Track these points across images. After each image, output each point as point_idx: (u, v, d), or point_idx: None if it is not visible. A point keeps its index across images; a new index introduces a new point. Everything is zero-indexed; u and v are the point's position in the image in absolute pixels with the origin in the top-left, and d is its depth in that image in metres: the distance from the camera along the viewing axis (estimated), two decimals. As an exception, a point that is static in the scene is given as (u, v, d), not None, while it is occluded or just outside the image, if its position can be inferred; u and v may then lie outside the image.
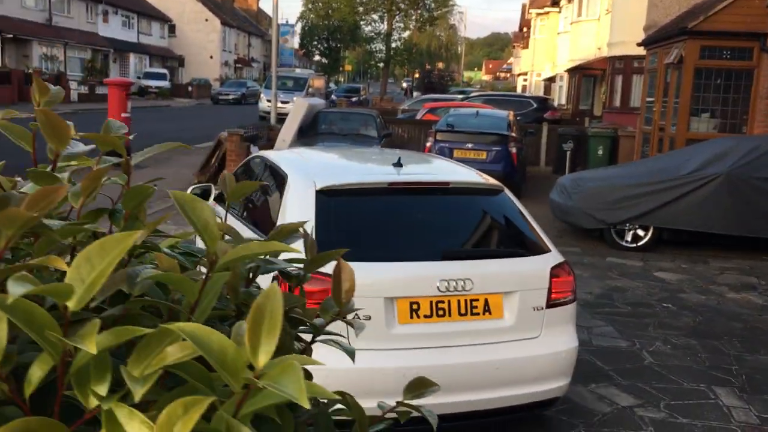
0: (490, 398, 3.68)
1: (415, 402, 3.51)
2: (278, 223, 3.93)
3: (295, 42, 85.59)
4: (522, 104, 22.30)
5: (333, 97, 44.16)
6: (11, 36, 39.87)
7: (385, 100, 38.65)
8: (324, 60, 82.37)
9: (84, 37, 48.03)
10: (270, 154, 4.88)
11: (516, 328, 3.75)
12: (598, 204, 9.47)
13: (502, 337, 3.72)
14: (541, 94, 35.91)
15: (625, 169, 10.59)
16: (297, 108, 14.48)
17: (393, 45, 58.04)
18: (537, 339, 3.81)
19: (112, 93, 14.46)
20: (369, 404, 3.46)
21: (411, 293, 3.57)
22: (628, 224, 9.44)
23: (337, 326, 3.32)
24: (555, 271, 3.88)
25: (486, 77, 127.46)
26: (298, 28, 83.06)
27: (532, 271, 3.83)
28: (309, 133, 14.63)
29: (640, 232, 9.47)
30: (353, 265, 3.61)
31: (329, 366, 3.41)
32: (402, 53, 57.99)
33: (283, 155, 4.89)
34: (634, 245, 9.46)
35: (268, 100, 22.85)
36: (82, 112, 30.01)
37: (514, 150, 13.12)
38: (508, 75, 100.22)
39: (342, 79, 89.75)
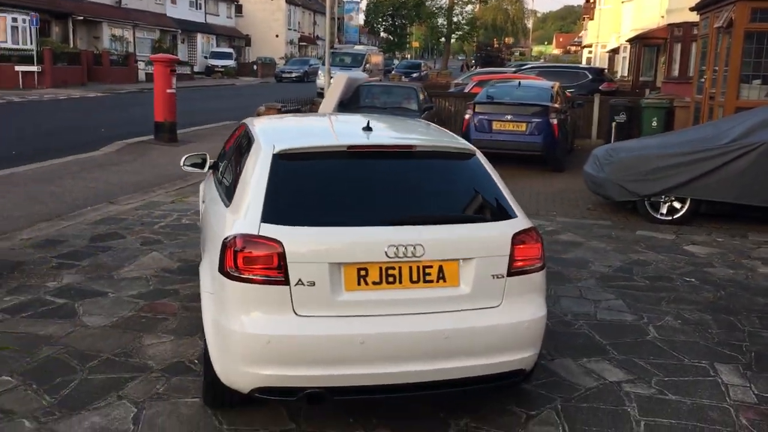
0: (443, 369, 3.54)
1: (352, 371, 3.43)
2: (238, 186, 3.89)
3: (360, 19, 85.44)
4: (577, 76, 21.61)
5: (393, 73, 43.98)
6: (81, 18, 41.13)
7: (443, 75, 38.19)
8: (389, 37, 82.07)
9: (152, 19, 49.15)
10: (253, 121, 4.83)
11: (473, 296, 3.59)
12: (630, 175, 9.08)
13: (457, 306, 3.58)
14: (603, 66, 34.76)
15: (661, 139, 10.12)
16: (337, 82, 14.43)
17: (455, 19, 57.11)
18: (497, 308, 3.64)
19: (157, 69, 14.69)
20: (315, 372, 3.43)
21: (358, 259, 3.46)
22: (663, 196, 9.03)
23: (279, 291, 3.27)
24: (519, 238, 3.69)
25: (556, 51, 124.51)
26: (363, 5, 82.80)
27: (491, 238, 3.66)
28: (350, 107, 14.56)
29: (676, 205, 9.04)
30: (296, 229, 3.58)
31: (270, 332, 3.40)
32: (463, 27, 57.02)
33: (264, 122, 4.83)
34: (669, 218, 9.04)
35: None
36: (147, 90, 30.63)
37: (555, 121, 12.73)
38: (580, 48, 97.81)
39: (409, 56, 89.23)
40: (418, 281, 3.53)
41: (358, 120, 4.48)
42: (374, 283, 3.48)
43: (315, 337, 3.40)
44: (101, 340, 4.89)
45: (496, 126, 12.96)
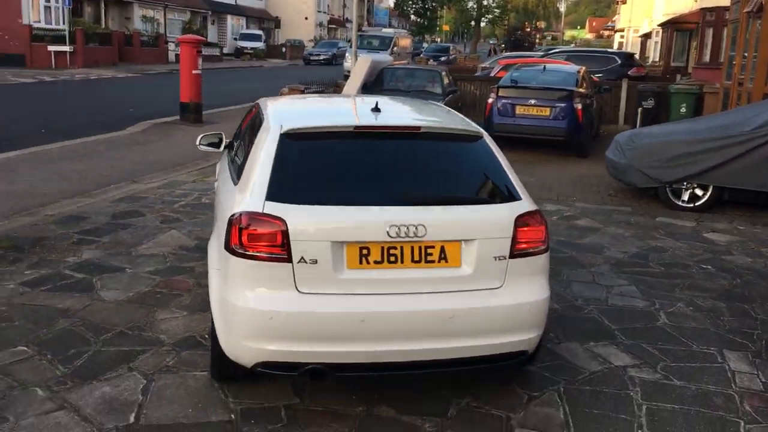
0: (445, 348, 3.58)
1: (353, 348, 3.49)
2: (246, 164, 3.94)
3: (390, 1, 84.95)
4: (606, 60, 21.35)
5: (422, 56, 43.78)
6: (113, -1, 41.46)
7: (471, 59, 37.93)
8: (419, 20, 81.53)
9: (183, 0, 49.38)
10: (266, 101, 4.88)
11: (475, 277, 3.62)
12: (652, 161, 8.98)
13: (459, 286, 3.60)
14: (635, 51, 34.22)
15: (684, 125, 9.97)
16: (360, 65, 14.44)
17: (484, 2, 56.55)
18: (499, 289, 3.67)
19: (183, 50, 14.82)
20: (317, 348, 3.49)
21: (360, 238, 3.50)
22: (685, 183, 8.93)
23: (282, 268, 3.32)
24: (522, 220, 3.70)
25: (589, 36, 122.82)
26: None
27: (494, 219, 3.67)
28: (373, 90, 14.56)
29: (698, 192, 8.93)
30: (300, 207, 3.64)
31: (273, 308, 3.47)
32: (493, 11, 56.42)
33: (277, 102, 4.87)
34: (691, 205, 8.94)
35: (353, 59, 22.89)
36: (176, 71, 30.83)
37: (579, 106, 12.62)
38: (612, 33, 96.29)
39: (439, 39, 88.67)
40: (419, 261, 3.56)
41: (369, 101, 4.50)
42: (376, 262, 3.52)
43: (316, 314, 3.45)
44: (116, 314, 5.01)
45: (519, 110, 12.88)
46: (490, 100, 13.24)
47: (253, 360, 3.55)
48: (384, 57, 17.59)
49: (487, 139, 4.07)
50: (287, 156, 3.72)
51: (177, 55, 41.60)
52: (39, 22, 34.53)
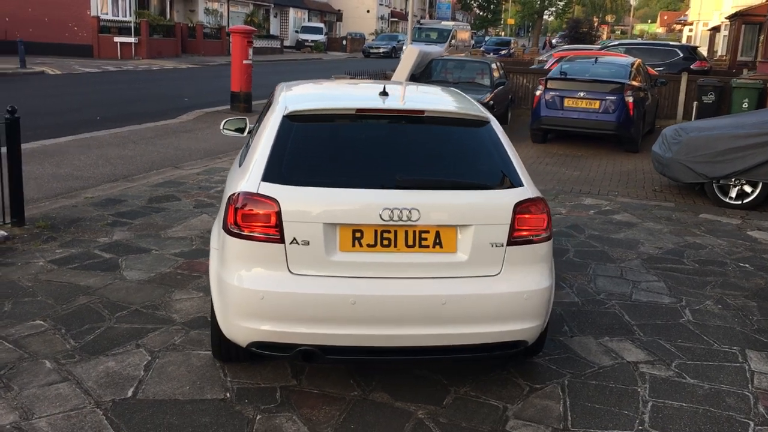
0: (438, 334, 3.52)
1: (343, 331, 3.48)
2: (251, 147, 3.96)
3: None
4: (667, 53, 20.68)
5: (482, 49, 43.33)
6: (178, -8, 42.38)
7: (531, 53, 37.36)
8: (482, 13, 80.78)
9: (246, -7, 50.15)
10: (282, 86, 4.88)
11: (471, 263, 3.55)
12: (698, 156, 8.67)
13: (454, 272, 3.54)
14: (704, 44, 33.09)
15: (733, 119, 9.58)
16: (408, 55, 14.37)
17: (548, -5, 55.56)
18: (496, 277, 3.59)
19: (234, 41, 15.04)
20: (308, 330, 3.49)
21: (353, 221, 3.48)
22: (733, 179, 8.59)
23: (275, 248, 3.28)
24: (521, 207, 3.61)
25: (660, 29, 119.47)
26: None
27: (491, 206, 3.59)
28: (421, 81, 14.49)
29: (747, 189, 8.58)
30: (293, 189, 3.63)
31: (265, 288, 3.47)
32: (557, 4, 55.36)
33: (294, 86, 4.87)
34: (739, 203, 8.60)
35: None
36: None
37: (630, 99, 12.27)
38: (683, 26, 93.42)
39: (503, 33, 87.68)
40: (413, 246, 3.52)
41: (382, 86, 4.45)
42: (369, 245, 3.49)
43: (307, 295, 3.45)
44: (135, 293, 5.12)
45: (567, 103, 12.62)
46: (537, 93, 13.01)
47: (246, 339, 3.57)
48: (434, 48, 17.45)
49: (494, 124, 3.98)
50: (287, 138, 3.72)
51: (238, 47, 42.35)
52: (106, 14, 35.56)
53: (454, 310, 3.51)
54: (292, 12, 57.55)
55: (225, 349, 3.94)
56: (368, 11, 67.32)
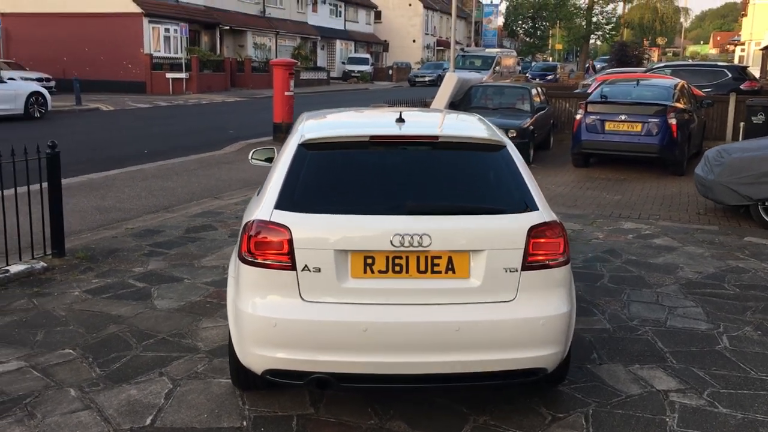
0: (452, 362, 3.47)
1: (356, 359, 3.44)
2: (269, 175, 4.00)
3: (500, 21, 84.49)
4: (715, 74, 20.24)
5: (528, 75, 43.22)
6: (228, 27, 43.54)
7: (576, 77, 37.09)
8: (529, 39, 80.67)
9: (294, 27, 51.23)
10: (305, 114, 4.94)
11: (484, 289, 3.50)
12: (742, 178, 8.43)
13: (467, 298, 3.49)
14: (755, 64, 32.32)
15: (779, 139, 9.30)
16: (447, 82, 14.41)
17: (594, 19, 55.11)
18: (510, 303, 3.52)
19: (276, 73, 15.33)
20: (320, 357, 3.48)
21: (364, 247, 3.47)
22: (779, 201, 8.31)
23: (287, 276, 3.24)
24: (536, 231, 3.55)
25: (713, 50, 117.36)
26: (502, 8, 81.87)
27: (504, 230, 3.54)
28: (460, 108, 14.50)
29: (795, 211, 8.29)
30: (304, 216, 3.64)
31: (277, 315, 3.49)
32: (603, 27, 54.88)
33: (313, 114, 4.92)
34: (787, 225, 8.31)
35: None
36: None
37: (673, 122, 12.03)
38: (735, 47, 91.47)
39: (550, 58, 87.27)
40: (425, 272, 3.49)
41: (411, 113, 4.45)
42: (380, 271, 3.47)
43: (319, 323, 3.44)
44: (163, 321, 5.19)
45: (609, 126, 12.44)
46: (578, 117, 12.87)
47: (261, 367, 3.58)
48: (473, 75, 17.46)
49: (511, 149, 3.94)
50: (301, 165, 3.75)
51: (286, 80, 43.10)
52: (159, 51, 36.72)
53: (467, 337, 3.45)
54: (338, 44, 58.46)
55: (243, 377, 3.95)
56: (414, 41, 67.92)
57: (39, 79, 30.56)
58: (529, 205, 3.66)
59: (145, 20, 35.94)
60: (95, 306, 5.48)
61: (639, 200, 10.21)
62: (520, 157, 3.97)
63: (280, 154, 4.02)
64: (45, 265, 6.37)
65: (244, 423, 3.76)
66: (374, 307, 3.46)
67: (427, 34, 70.03)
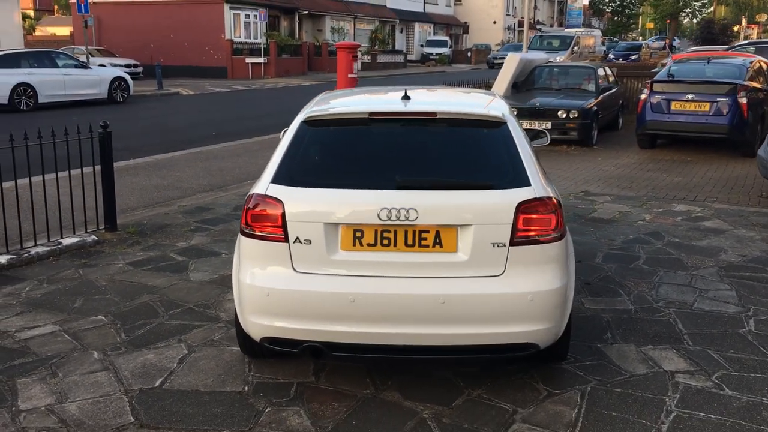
0: (438, 334, 3.52)
1: (344, 328, 3.51)
2: (276, 151, 4.14)
3: (585, 0, 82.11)
4: (805, 51, 19.11)
5: (610, 55, 41.94)
6: (306, 12, 44.13)
7: (659, 56, 35.66)
8: (616, 18, 78.13)
9: (372, 10, 51.38)
10: (327, 92, 5.07)
11: (471, 263, 3.53)
12: (804, 158, 8.02)
13: (454, 272, 3.53)
14: None
15: None
16: (508, 63, 14.22)
17: (682, -5, 52.78)
18: (498, 277, 3.54)
19: (340, 55, 15.51)
20: (311, 326, 3.62)
21: (353, 220, 3.56)
22: (844, 182, 7.87)
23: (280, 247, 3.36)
24: (524, 207, 3.55)
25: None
26: (588, -13, 79.51)
27: (491, 205, 3.54)
28: (522, 89, 14.31)
29: None
30: (296, 190, 3.78)
31: (270, 285, 3.66)
32: (692, 4, 52.49)
33: (329, 93, 5.04)
34: None
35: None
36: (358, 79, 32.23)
37: (744, 101, 11.52)
38: None
39: (640, 38, 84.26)
40: (413, 245, 3.55)
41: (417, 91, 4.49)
42: (369, 244, 3.56)
43: (309, 293, 3.56)
44: (194, 292, 5.44)
45: (675, 106, 12.02)
46: (642, 96, 12.49)
47: (258, 335, 3.74)
48: (537, 55, 17.10)
49: (511, 125, 3.92)
50: (301, 141, 3.88)
51: (362, 63, 43.43)
52: (239, 37, 37.63)
53: (453, 310, 3.50)
54: (417, 26, 58.27)
55: (249, 345, 4.12)
56: (495, 22, 66.91)
57: (127, 65, 31.97)
58: (520, 181, 3.65)
59: (226, 6, 36.88)
60: (134, 277, 5.79)
61: (700, 182, 9.86)
62: (522, 135, 3.96)
63: (288, 130, 4.15)
64: (96, 238, 6.75)
65: (246, 388, 3.94)
66: (362, 278, 3.55)
67: (508, 14, 68.84)
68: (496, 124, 3.92)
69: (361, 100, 4.75)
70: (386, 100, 4.48)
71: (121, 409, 3.70)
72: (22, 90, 19.31)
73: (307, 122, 3.95)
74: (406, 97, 4.15)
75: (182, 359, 4.29)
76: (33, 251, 6.24)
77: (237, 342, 4.46)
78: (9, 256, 6.06)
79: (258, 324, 3.70)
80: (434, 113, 3.92)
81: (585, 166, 11.22)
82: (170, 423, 3.58)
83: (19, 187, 6.53)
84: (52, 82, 20.03)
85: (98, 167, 6.96)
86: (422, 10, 59.43)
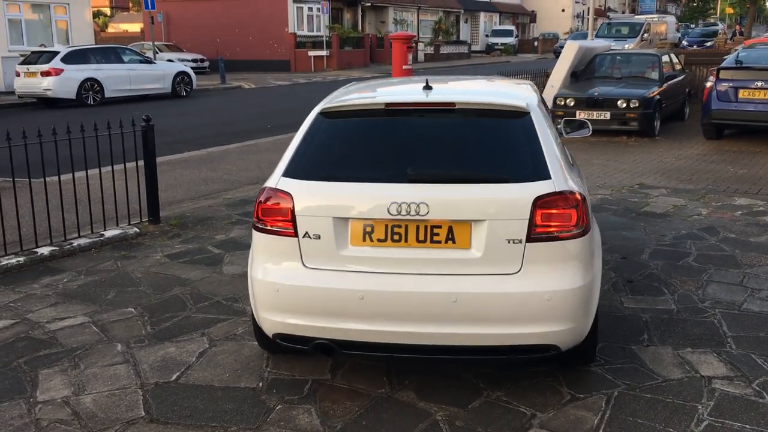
0: (451, 333, 3.37)
1: (354, 326, 3.40)
2: (292, 141, 4.05)
3: (659, -14, 79.41)
4: None
5: (684, 42, 40.40)
6: (369, 4, 44.10)
7: (734, 42, 34.12)
8: (693, 3, 75.28)
9: (436, 1, 50.94)
10: (345, 86, 4.95)
11: (485, 260, 3.36)
12: None
13: (468, 269, 3.37)
14: None
15: None
16: (567, 52, 13.81)
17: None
18: (514, 275, 3.36)
19: (395, 47, 15.36)
20: (321, 323, 3.54)
21: (363, 215, 3.44)
22: None
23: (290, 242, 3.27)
24: (543, 202, 3.35)
25: None
26: (661, -28, 76.90)
27: (507, 200, 3.36)
28: (581, 78, 13.88)
29: None
30: (306, 183, 3.69)
31: (280, 281, 3.59)
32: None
33: (352, 84, 4.93)
34: None
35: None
36: (420, 71, 32.04)
37: (817, 88, 10.84)
38: None
39: (720, 23, 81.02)
40: (425, 241, 3.41)
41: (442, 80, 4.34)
42: (379, 240, 3.44)
43: (318, 289, 3.47)
44: (225, 285, 5.44)
45: (742, 94, 11.43)
46: (708, 84, 11.92)
47: (270, 330, 3.67)
48: (598, 43, 16.51)
49: (535, 116, 3.72)
50: (316, 133, 3.78)
51: (426, 54, 43.16)
52: (302, 30, 37.93)
53: (465, 309, 3.35)
54: (482, 16, 57.51)
55: (265, 341, 4.06)
56: (563, 10, 65.42)
57: (194, 60, 32.69)
58: (539, 174, 3.46)
59: (290, 0, 37.18)
60: (170, 270, 5.83)
61: (766, 175, 9.33)
62: (546, 125, 3.76)
63: (304, 122, 4.06)
64: (138, 230, 6.85)
65: (260, 384, 3.88)
66: (372, 275, 3.43)
67: (577, 2, 67.20)
68: (519, 115, 3.73)
69: (382, 92, 4.62)
70: (407, 91, 4.34)
71: (134, 403, 3.70)
72: (89, 85, 19.92)
73: (324, 114, 3.85)
74: (427, 87, 4.01)
75: (202, 353, 4.27)
76: (75, 243, 6.37)
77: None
78: (52, 248, 6.20)
79: (269, 320, 3.63)
80: (453, 103, 3.76)
81: (644, 157, 10.78)
82: (179, 418, 3.55)
83: (65, 181, 6.67)
84: (117, 78, 20.60)
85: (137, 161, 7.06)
86: (488, 0, 58.61)
